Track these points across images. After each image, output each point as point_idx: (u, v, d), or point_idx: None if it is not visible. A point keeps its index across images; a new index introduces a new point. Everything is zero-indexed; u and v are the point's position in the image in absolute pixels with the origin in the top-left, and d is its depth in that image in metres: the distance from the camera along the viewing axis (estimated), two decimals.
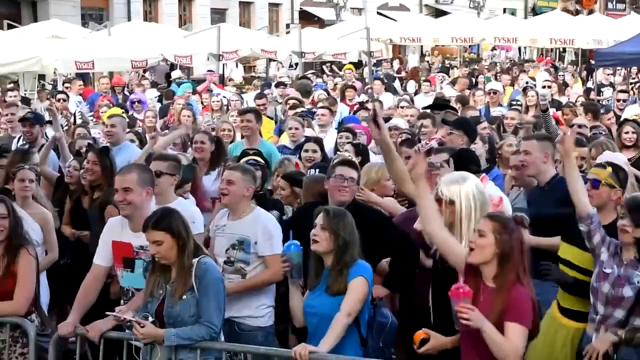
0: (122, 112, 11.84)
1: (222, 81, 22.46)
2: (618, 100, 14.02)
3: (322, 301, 5.29)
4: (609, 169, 5.88)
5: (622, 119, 11.75)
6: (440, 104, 11.96)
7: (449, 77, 25.32)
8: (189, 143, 9.75)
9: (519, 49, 37.29)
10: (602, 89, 19.97)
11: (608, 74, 21.24)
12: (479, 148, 8.64)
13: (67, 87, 17.72)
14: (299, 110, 11.31)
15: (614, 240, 5.51)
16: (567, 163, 5.73)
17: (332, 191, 6.23)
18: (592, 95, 19.24)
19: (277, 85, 17.45)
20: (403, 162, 6.03)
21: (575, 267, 5.79)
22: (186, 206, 6.45)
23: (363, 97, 16.48)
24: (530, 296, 4.65)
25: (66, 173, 8.19)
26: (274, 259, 6.01)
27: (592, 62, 22.61)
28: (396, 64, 31.73)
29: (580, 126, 9.83)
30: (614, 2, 51.48)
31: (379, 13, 38.03)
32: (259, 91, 18.16)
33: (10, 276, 5.85)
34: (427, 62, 33.86)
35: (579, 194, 5.62)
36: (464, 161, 6.62)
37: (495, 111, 12.76)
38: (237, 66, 27.73)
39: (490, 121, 11.40)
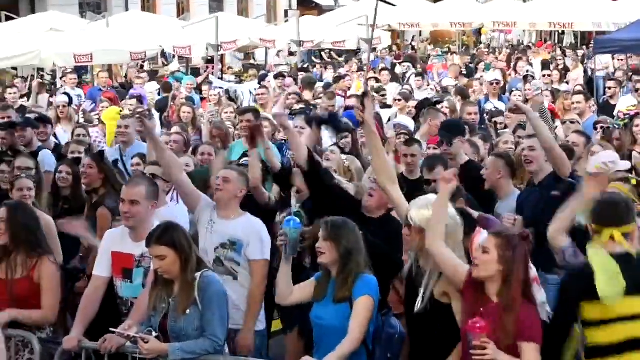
0: (120, 111, 11.84)
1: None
2: (608, 88, 14.05)
3: (328, 310, 5.34)
4: (634, 180, 5.91)
5: (617, 110, 11.75)
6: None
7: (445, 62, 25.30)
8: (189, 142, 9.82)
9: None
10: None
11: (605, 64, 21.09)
12: (481, 147, 8.68)
13: (64, 81, 17.70)
14: (298, 107, 11.29)
15: None
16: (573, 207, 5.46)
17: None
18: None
19: (276, 77, 17.38)
20: (385, 154, 6.16)
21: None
22: (174, 212, 6.62)
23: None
24: (537, 311, 4.71)
25: (58, 179, 8.07)
26: (260, 265, 6.19)
27: (591, 46, 22.53)
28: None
29: (572, 122, 9.96)
30: None
31: None
32: (256, 81, 18.16)
33: (28, 282, 5.89)
34: (414, 49, 33.54)
35: (558, 230, 5.41)
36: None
37: (495, 103, 12.71)
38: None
39: (491, 115, 11.40)
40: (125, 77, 21.39)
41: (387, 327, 5.55)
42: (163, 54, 22.53)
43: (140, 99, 14.07)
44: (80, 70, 20.05)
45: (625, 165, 6.71)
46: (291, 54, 27.57)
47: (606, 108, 13.07)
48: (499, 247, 4.69)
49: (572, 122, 10.27)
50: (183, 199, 6.78)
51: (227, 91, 15.28)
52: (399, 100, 12.93)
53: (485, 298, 4.75)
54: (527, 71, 17.83)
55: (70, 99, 11.69)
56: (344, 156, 8.39)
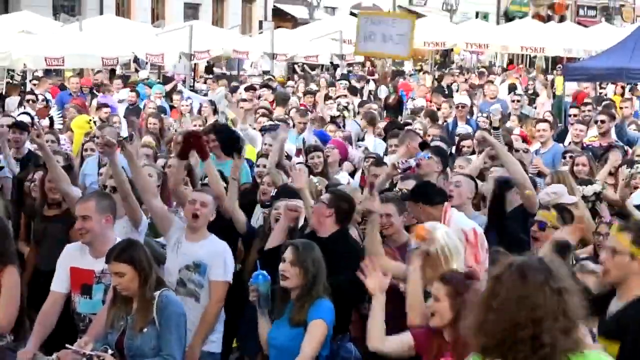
0: (90, 120, 11.78)
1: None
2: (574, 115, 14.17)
3: (283, 332, 5.39)
4: (553, 212, 6.02)
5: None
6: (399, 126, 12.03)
7: (421, 80, 25.46)
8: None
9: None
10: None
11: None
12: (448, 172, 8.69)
13: (34, 84, 17.57)
14: (267, 123, 11.28)
15: None
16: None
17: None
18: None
19: (246, 89, 17.36)
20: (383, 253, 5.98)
21: None
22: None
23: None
24: None
25: (31, 187, 8.06)
26: (220, 286, 6.20)
27: (561, 72, 22.76)
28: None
29: (525, 151, 10.08)
30: (585, 9, 51.94)
31: (351, 14, 38.04)
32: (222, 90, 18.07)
33: None
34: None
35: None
36: (429, 193, 6.68)
37: (462, 127, 12.79)
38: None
39: (462, 137, 11.41)
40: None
41: (342, 351, 5.58)
42: (136, 60, 22.47)
43: (106, 107, 13.99)
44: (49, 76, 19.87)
45: (571, 199, 6.82)
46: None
47: (562, 134, 13.17)
48: (449, 295, 4.75)
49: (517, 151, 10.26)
50: (155, 222, 6.83)
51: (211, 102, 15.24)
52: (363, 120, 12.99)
53: (444, 343, 4.81)
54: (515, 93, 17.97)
55: (32, 117, 11.58)
56: (314, 178, 8.37)
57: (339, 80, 20.79)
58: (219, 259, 6.26)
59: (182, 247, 6.35)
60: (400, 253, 6.19)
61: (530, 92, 22.63)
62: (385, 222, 6.38)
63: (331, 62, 26.98)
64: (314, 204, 6.53)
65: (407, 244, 6.24)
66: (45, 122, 12.18)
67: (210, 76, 25.81)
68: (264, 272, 5.53)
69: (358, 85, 21.17)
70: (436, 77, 27.70)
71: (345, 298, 5.74)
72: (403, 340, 4.98)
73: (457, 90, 22.19)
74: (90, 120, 11.89)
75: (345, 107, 14.62)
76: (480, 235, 6.07)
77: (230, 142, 8.86)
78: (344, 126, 13.09)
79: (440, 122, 13.63)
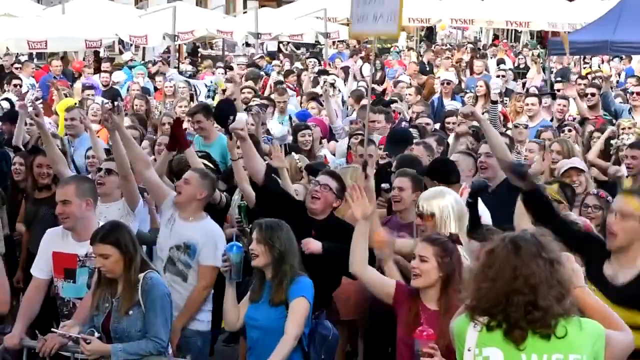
0: (75, 104, 11.71)
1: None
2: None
3: (264, 313, 5.38)
4: (555, 185, 6.03)
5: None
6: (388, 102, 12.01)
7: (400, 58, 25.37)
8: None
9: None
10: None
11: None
12: (434, 149, 8.68)
13: (17, 69, 17.44)
14: (253, 104, 11.23)
15: None
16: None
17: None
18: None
19: (230, 70, 17.23)
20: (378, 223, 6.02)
21: None
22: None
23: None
24: None
25: (13, 170, 8.09)
26: (209, 270, 6.13)
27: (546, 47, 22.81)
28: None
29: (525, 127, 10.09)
30: None
31: None
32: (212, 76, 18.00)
33: None
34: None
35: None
36: (447, 171, 6.72)
37: (448, 104, 12.76)
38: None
39: (446, 115, 11.40)
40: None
41: (320, 329, 5.58)
42: (121, 42, 22.33)
43: (91, 88, 13.92)
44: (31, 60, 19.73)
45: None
46: (248, 44, 27.49)
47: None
48: (437, 255, 4.76)
49: (517, 126, 10.31)
50: (150, 194, 6.81)
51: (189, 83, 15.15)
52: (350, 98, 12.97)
53: (422, 306, 4.81)
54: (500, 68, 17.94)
55: (12, 103, 11.54)
56: (296, 155, 8.37)
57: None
58: (210, 242, 6.20)
59: (175, 225, 6.31)
60: (409, 231, 6.16)
61: (522, 66, 22.70)
62: (396, 195, 6.41)
63: (317, 41, 26.84)
64: (313, 185, 6.46)
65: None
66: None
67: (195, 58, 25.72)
68: (239, 243, 5.56)
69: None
70: (421, 53, 27.67)
71: (331, 269, 5.80)
72: (384, 283, 5.02)
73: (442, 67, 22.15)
74: (75, 103, 11.82)
75: (332, 84, 14.57)
76: (486, 215, 6.37)
77: (225, 111, 8.52)
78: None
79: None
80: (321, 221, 6.25)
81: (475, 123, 8.17)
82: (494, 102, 10.75)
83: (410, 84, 15.68)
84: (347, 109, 13.73)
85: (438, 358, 4.49)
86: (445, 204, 5.51)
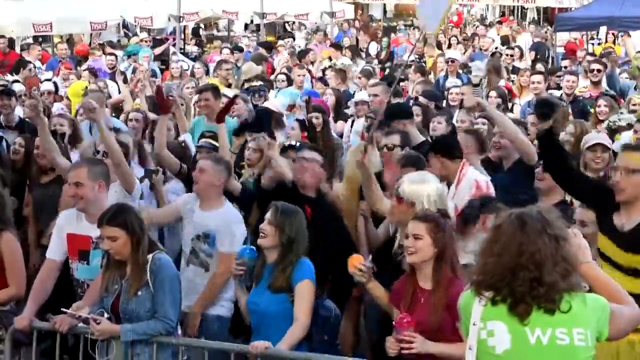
0: (85, 87, 11.74)
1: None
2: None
3: (265, 298, 5.40)
4: None
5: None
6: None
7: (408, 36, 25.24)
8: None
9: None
10: None
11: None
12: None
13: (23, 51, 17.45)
14: (255, 83, 11.25)
15: None
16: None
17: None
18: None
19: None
20: (378, 187, 6.21)
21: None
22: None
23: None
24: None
25: (12, 150, 8.09)
26: (228, 257, 6.06)
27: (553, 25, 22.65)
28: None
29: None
30: None
31: None
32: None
33: None
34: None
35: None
36: (451, 146, 6.75)
37: (451, 82, 12.73)
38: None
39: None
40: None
41: (322, 310, 5.57)
42: (125, 25, 22.29)
43: (94, 72, 13.92)
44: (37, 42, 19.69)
45: None
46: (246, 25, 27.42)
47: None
48: (430, 231, 4.81)
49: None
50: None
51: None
52: (360, 78, 12.96)
53: (417, 284, 4.88)
54: (496, 48, 17.89)
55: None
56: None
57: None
58: (226, 229, 6.20)
59: (194, 215, 6.34)
60: None
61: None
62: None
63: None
64: (299, 160, 6.51)
65: None
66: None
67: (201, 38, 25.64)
68: (253, 247, 5.60)
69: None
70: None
71: (330, 251, 5.85)
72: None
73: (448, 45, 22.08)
74: (86, 87, 11.83)
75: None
76: (492, 189, 6.42)
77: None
78: None
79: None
80: (314, 199, 6.31)
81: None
82: (476, 86, 10.83)
83: (412, 63, 15.65)
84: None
85: (418, 343, 4.55)
86: (427, 193, 5.36)
